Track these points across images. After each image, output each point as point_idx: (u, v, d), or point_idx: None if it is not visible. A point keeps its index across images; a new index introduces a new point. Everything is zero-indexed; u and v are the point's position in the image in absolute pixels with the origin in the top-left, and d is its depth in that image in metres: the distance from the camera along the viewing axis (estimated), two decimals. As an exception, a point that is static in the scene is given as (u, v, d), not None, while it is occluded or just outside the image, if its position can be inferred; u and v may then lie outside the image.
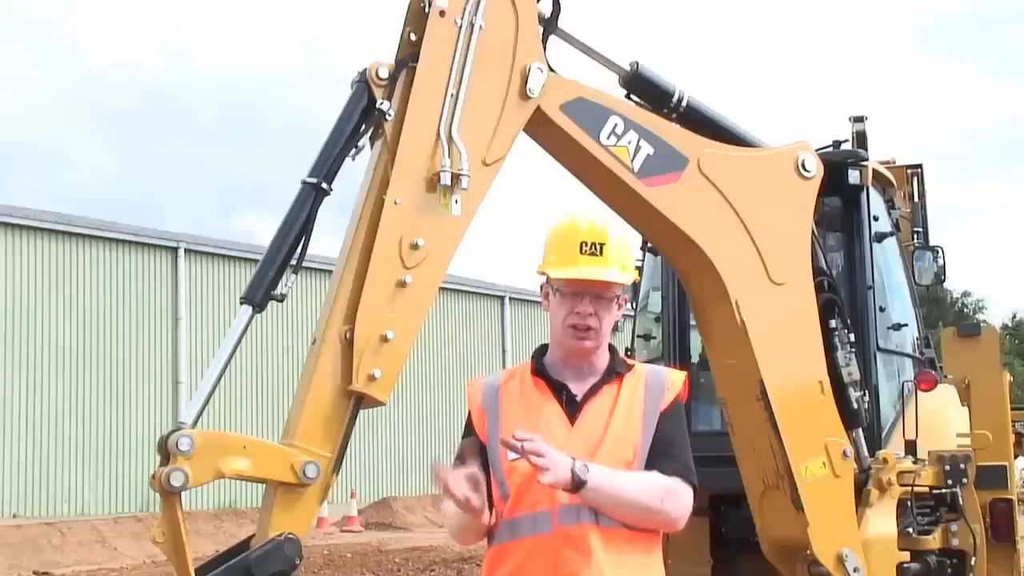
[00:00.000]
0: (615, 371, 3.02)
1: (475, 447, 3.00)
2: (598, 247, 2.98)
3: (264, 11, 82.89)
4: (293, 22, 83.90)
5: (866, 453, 5.16)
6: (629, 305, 7.34)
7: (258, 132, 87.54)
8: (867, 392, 5.27)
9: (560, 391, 2.99)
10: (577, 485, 2.76)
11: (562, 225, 3.07)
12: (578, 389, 2.99)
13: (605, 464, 2.84)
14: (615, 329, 3.12)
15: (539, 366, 3.05)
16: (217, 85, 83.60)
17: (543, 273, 3.07)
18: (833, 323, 4.98)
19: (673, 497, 2.91)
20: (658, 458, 2.93)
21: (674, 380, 3.05)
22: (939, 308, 42.41)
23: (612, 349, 3.08)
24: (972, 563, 5.57)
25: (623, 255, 3.04)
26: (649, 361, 6.44)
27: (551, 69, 4.08)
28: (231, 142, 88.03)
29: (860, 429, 5.08)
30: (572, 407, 2.96)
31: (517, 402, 3.00)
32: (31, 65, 69.16)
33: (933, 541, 5.53)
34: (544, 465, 2.70)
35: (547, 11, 4.17)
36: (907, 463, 5.48)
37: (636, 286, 7.25)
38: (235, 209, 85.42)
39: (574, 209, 3.13)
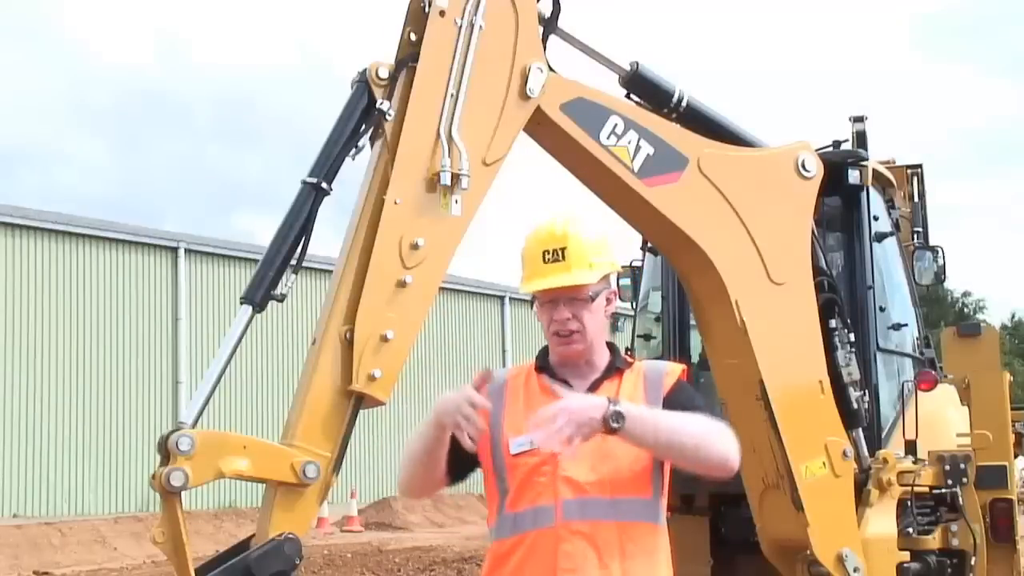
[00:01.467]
0: (615, 367, 3.03)
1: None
2: (559, 252, 2.96)
3: (261, 11, 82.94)
4: (290, 22, 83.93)
5: (866, 453, 5.16)
6: (629, 305, 7.38)
7: (256, 132, 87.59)
8: (867, 392, 5.28)
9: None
10: (614, 420, 2.69)
11: (528, 237, 3.07)
12: (579, 386, 3.00)
13: (617, 461, 2.83)
14: (615, 328, 3.11)
15: (543, 364, 3.06)
16: (215, 85, 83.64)
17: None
18: (833, 323, 4.98)
19: (719, 432, 2.85)
20: None
21: (672, 369, 3.06)
22: (939, 308, 42.41)
23: (612, 347, 3.08)
24: (972, 563, 5.57)
25: (589, 253, 2.99)
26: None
27: (551, 69, 4.08)
28: (229, 142, 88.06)
29: (860, 429, 5.09)
30: None
31: (520, 398, 3.00)
32: (28, 65, 69.15)
33: (933, 541, 5.53)
34: (563, 433, 2.65)
35: (547, 11, 4.17)
36: (907, 463, 5.49)
37: (636, 285, 7.25)
38: (234, 209, 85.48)
39: (540, 218, 3.11)
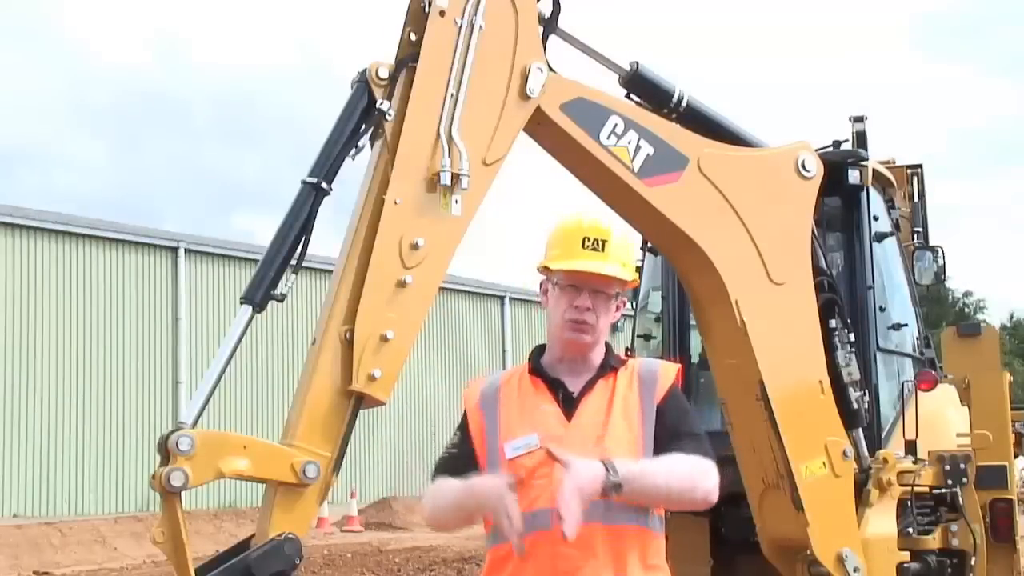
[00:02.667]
0: (609, 365, 3.03)
1: (467, 454, 3.00)
2: (600, 243, 2.99)
3: (260, 10, 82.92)
4: (289, 21, 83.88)
5: (866, 453, 5.16)
6: (629, 305, 7.38)
7: (255, 132, 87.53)
8: (867, 392, 5.28)
9: (556, 388, 2.99)
10: (612, 489, 2.74)
11: (565, 222, 3.09)
12: (574, 386, 2.99)
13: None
14: (615, 329, 3.12)
15: (536, 365, 3.06)
16: (214, 84, 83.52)
17: (544, 268, 3.07)
18: (833, 323, 4.98)
19: (701, 472, 2.89)
20: (669, 444, 2.91)
21: (666, 371, 3.06)
22: (939, 308, 42.40)
23: (607, 346, 3.08)
24: (972, 563, 5.58)
25: (624, 254, 3.04)
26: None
27: (551, 69, 4.08)
28: (228, 142, 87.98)
29: (860, 429, 5.09)
30: (568, 404, 2.96)
31: (514, 402, 3.00)
32: (27, 65, 69.09)
33: (933, 541, 5.53)
34: (570, 500, 2.67)
35: (547, 11, 4.18)
36: (907, 463, 5.49)
37: (636, 287, 7.25)
38: (233, 209, 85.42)
39: (579, 208, 3.14)
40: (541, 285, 3.11)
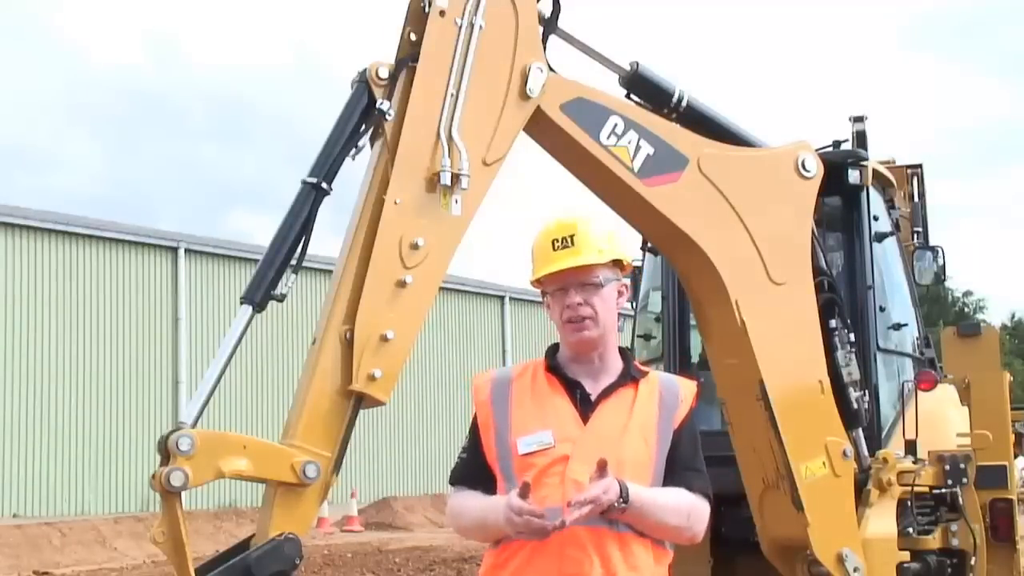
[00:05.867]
0: (630, 375, 3.02)
1: (481, 459, 3.00)
2: (568, 239, 3.02)
3: (254, 11, 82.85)
4: (283, 22, 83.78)
5: (866, 453, 5.17)
6: (629, 305, 7.38)
7: (250, 131, 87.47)
8: (867, 392, 5.28)
9: (574, 389, 2.98)
10: (618, 509, 2.79)
11: (537, 234, 3.12)
12: (592, 388, 2.99)
13: (622, 472, 2.83)
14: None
15: (553, 363, 3.05)
16: (208, 85, 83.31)
17: (534, 283, 3.11)
18: (833, 323, 4.98)
19: (697, 514, 2.98)
20: (678, 475, 2.96)
21: (687, 393, 3.07)
22: (939, 308, 42.38)
23: (624, 354, 3.08)
24: (972, 563, 5.58)
25: (596, 240, 3.04)
26: (649, 361, 6.45)
27: (551, 69, 4.08)
28: (224, 141, 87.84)
29: (860, 429, 5.09)
30: (586, 405, 2.95)
31: (528, 397, 2.98)
32: (20, 66, 68.96)
33: (933, 541, 5.54)
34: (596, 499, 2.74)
35: (547, 11, 4.17)
36: (907, 463, 5.49)
37: (636, 285, 7.26)
38: (229, 209, 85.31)
39: (552, 215, 3.17)
40: (543, 300, 3.13)
